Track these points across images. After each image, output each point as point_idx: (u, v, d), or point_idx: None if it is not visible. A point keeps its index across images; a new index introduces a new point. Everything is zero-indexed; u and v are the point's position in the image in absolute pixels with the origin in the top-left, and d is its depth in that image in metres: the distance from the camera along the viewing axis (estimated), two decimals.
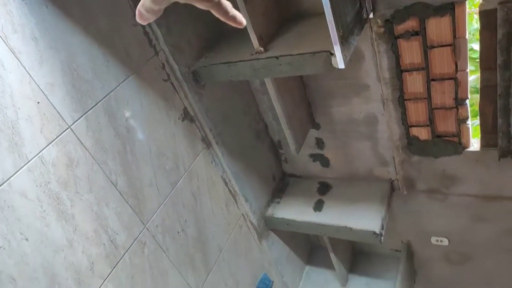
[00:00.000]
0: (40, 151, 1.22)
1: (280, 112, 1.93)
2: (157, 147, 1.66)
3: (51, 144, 1.25)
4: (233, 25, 0.51)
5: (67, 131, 1.30)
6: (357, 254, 2.80)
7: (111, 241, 1.43)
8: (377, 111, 1.99)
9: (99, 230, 1.38)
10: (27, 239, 1.17)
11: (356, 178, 2.37)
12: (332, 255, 2.50)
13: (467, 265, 2.40)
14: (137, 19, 0.49)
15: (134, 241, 1.52)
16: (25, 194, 1.18)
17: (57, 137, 1.27)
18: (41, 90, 1.24)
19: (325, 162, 2.41)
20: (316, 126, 2.24)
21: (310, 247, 2.93)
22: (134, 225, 1.53)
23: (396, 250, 2.60)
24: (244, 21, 0.51)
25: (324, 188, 2.42)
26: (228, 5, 0.48)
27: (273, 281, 2.35)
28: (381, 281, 2.57)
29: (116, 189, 1.46)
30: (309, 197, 2.39)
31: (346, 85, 1.98)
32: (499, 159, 1.85)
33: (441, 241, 2.34)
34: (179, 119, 1.78)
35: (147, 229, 1.58)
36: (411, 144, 2.01)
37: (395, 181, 2.23)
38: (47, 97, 1.25)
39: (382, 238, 2.04)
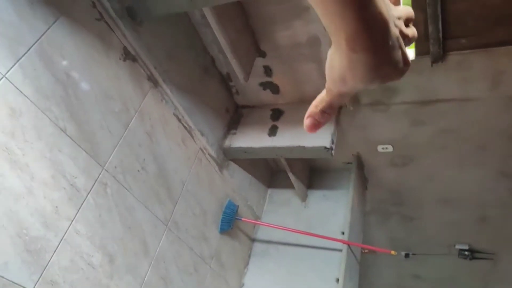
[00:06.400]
0: None
1: (224, 43, 1.93)
2: (102, 90, 1.65)
3: None
4: None
5: (2, 80, 1.26)
6: (313, 172, 3.00)
7: (71, 184, 1.46)
8: (319, 32, 2.03)
9: (57, 175, 1.41)
10: None
11: (306, 101, 2.45)
12: (290, 175, 2.67)
13: (410, 166, 2.66)
14: (309, 129, 0.37)
15: (94, 183, 1.56)
16: None
17: None
18: None
19: (275, 89, 2.48)
20: (262, 54, 2.27)
21: (270, 172, 3.10)
22: (92, 167, 1.56)
23: (348, 163, 2.81)
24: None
25: (277, 114, 2.52)
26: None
27: (238, 206, 2.50)
28: (337, 191, 2.80)
29: (66, 134, 1.46)
30: (263, 124, 2.49)
31: (287, 8, 1.99)
32: (432, 65, 1.99)
33: (386, 148, 2.55)
34: (120, 59, 1.74)
35: (106, 170, 1.62)
36: None
37: None
38: None
39: (333, 151, 2.20)
